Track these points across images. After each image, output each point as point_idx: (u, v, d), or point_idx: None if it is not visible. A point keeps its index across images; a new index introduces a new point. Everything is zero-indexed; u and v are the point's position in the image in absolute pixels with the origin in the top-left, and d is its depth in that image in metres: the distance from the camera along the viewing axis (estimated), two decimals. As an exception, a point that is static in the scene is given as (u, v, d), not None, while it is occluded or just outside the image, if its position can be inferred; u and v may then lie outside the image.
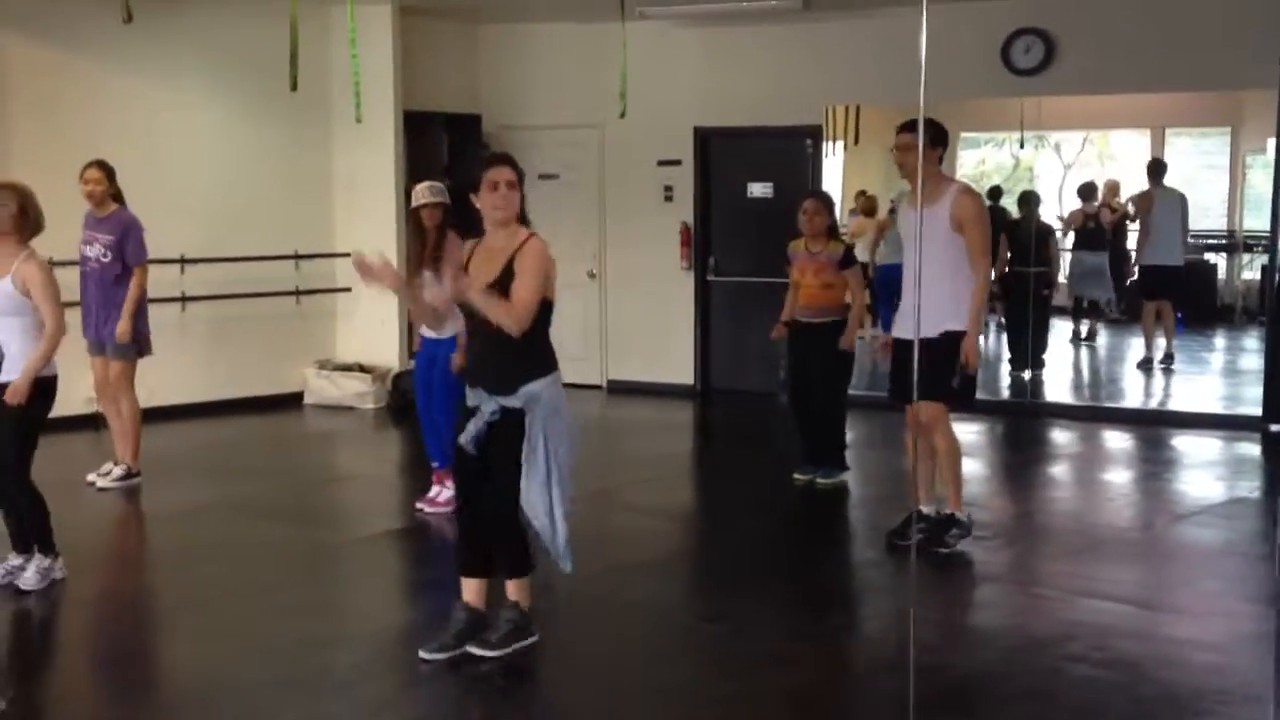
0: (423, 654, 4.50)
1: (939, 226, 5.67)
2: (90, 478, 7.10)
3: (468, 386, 4.52)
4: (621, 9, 7.90)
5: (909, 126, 5.66)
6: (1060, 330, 11.85)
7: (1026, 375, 10.01)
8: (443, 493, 6.41)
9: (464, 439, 4.43)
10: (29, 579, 5.31)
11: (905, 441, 6.10)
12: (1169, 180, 10.13)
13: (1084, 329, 11.52)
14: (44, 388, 5.23)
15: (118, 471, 7.12)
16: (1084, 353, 11.58)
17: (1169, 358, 10.29)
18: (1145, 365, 10.37)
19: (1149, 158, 13.94)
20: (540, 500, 4.37)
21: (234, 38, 9.10)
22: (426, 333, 6.34)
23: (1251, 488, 7.28)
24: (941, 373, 5.58)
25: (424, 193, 6.34)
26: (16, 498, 5.32)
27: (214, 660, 4.69)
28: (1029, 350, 10.04)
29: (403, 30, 9.63)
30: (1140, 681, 4.35)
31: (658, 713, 4.26)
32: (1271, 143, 8.41)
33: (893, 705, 4.11)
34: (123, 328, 6.92)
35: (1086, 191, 11.30)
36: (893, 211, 11.60)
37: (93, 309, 7.05)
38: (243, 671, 4.54)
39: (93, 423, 7.96)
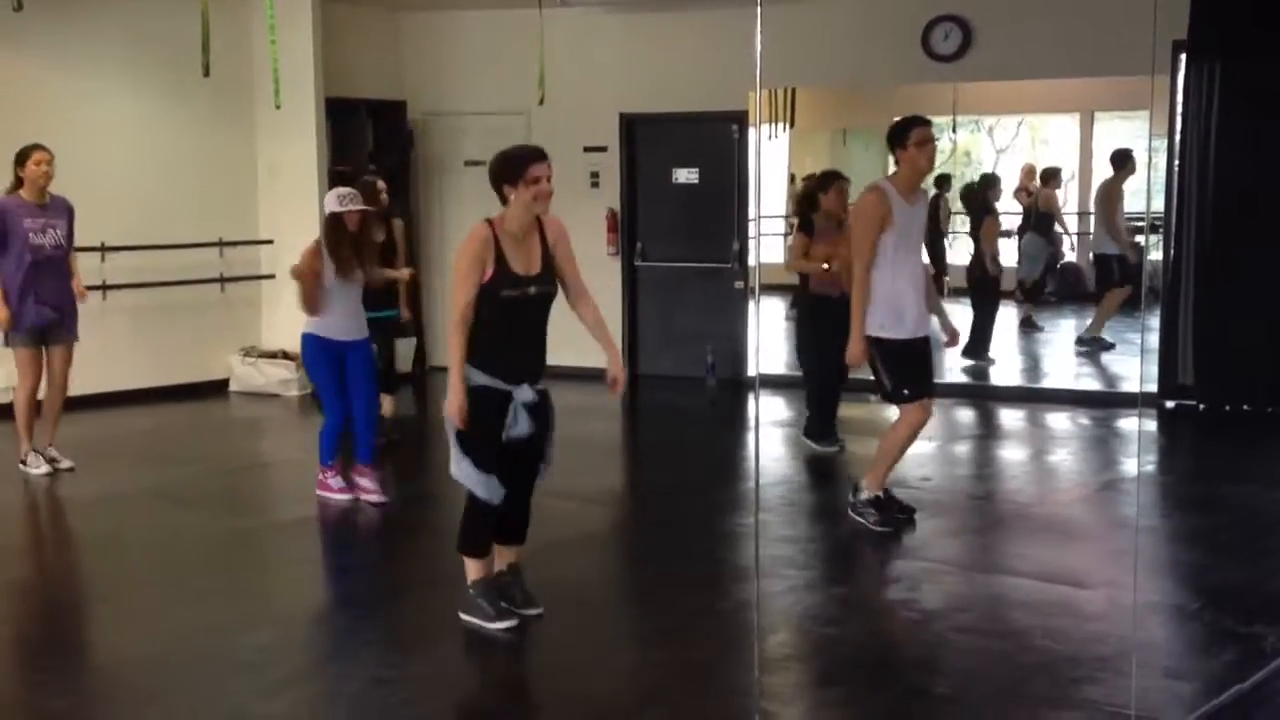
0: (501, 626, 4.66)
1: (923, 223, 5.95)
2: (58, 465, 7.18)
3: (502, 381, 4.52)
4: (539, -3, 7.96)
5: (929, 121, 5.82)
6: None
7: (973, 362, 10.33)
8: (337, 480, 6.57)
9: (519, 431, 4.54)
10: None
11: (904, 437, 5.99)
12: (1098, 165, 10.48)
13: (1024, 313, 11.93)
14: None
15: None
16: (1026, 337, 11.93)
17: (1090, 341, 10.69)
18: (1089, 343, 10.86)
19: (1079, 142, 14.30)
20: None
21: (154, 25, 9.03)
22: (335, 334, 6.40)
23: (1148, 462, 7.54)
24: None
25: (347, 199, 6.45)
26: None
27: (122, 643, 4.74)
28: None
29: (325, 17, 9.61)
30: (1023, 650, 4.50)
31: (558, 683, 4.37)
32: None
33: (783, 675, 4.24)
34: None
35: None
36: None
37: (50, 298, 6.97)
38: (150, 653, 4.59)
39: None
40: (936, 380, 6.30)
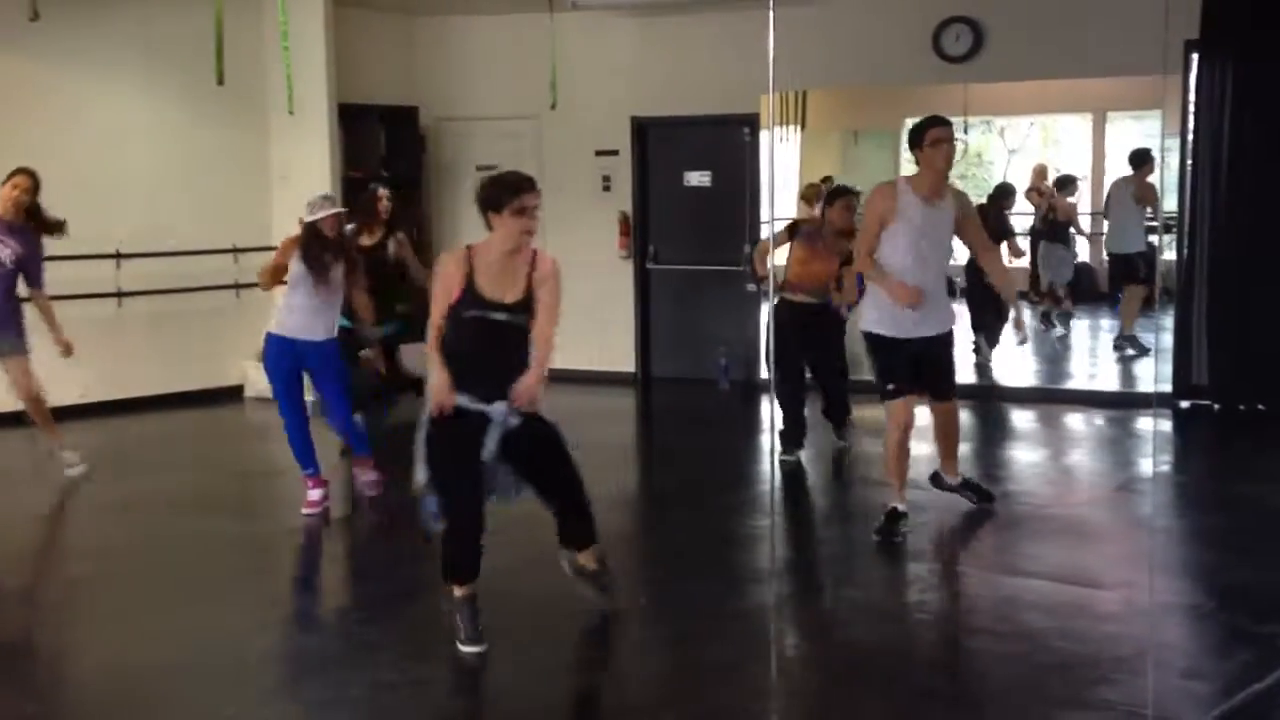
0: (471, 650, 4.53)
1: (948, 225, 5.87)
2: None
3: (471, 400, 4.44)
4: (550, 1, 7.97)
5: (946, 121, 5.80)
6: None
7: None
8: (315, 493, 6.47)
9: (487, 454, 4.47)
10: None
11: (894, 437, 5.91)
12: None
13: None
14: None
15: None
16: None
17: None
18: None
19: (1091, 143, 14.24)
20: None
21: (167, 31, 9.08)
22: (297, 334, 6.26)
23: (1163, 462, 7.52)
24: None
25: (316, 206, 6.32)
26: None
27: (122, 649, 4.74)
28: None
29: (337, 23, 9.64)
30: (1039, 652, 4.49)
31: (573, 686, 4.36)
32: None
33: (799, 677, 4.23)
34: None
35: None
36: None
37: None
38: (158, 658, 4.61)
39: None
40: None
